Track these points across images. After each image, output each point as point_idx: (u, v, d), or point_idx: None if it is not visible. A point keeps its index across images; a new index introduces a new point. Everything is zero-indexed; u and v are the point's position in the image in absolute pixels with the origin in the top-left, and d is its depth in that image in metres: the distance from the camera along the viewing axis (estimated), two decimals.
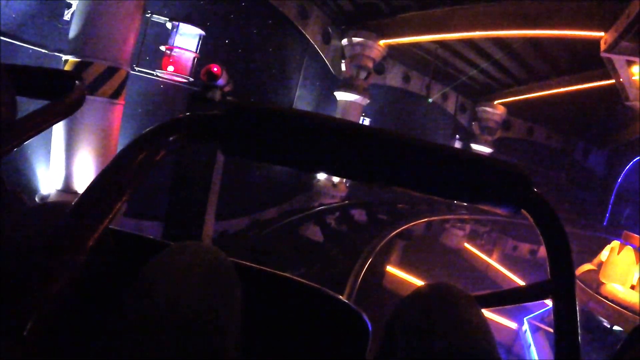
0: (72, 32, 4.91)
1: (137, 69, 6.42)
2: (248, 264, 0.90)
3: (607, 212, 18.30)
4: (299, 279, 0.92)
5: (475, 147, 15.10)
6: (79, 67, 4.77)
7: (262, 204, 9.07)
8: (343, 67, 10.93)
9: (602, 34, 7.41)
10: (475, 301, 0.69)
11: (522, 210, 0.61)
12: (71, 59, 4.80)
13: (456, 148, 0.60)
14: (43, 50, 5.71)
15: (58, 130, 5.01)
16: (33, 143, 5.62)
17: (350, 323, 0.89)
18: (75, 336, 0.64)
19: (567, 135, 17.80)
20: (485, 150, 15.02)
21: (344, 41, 10.80)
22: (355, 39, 10.52)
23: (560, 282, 0.64)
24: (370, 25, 10.52)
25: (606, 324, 6.66)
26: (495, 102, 14.89)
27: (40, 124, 0.68)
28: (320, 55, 10.72)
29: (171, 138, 0.54)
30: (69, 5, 5.50)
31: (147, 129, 0.53)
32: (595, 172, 18.40)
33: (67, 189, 5.01)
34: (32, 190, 5.61)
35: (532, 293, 0.73)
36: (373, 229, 8.30)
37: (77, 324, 0.67)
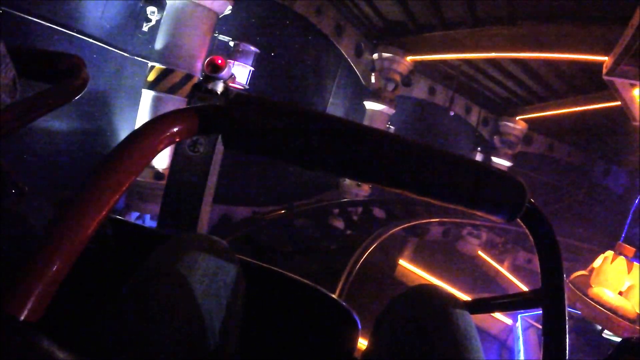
0: (158, 44, 5.95)
1: None
2: (246, 259, 0.90)
3: (624, 230, 18.39)
4: (293, 275, 0.93)
5: (495, 160, 15.43)
6: (164, 73, 5.82)
7: (294, 196, 10.17)
8: (372, 79, 11.53)
9: (605, 58, 7.58)
10: (464, 305, 0.69)
11: (518, 219, 0.60)
12: (157, 65, 5.84)
13: (455, 153, 0.58)
14: (125, 54, 6.73)
15: (144, 114, 5.96)
16: (121, 120, 6.62)
17: (340, 320, 0.90)
18: (75, 324, 0.64)
19: (588, 153, 17.96)
20: (505, 163, 15.32)
21: (374, 55, 11.42)
22: (384, 54, 11.15)
23: (550, 291, 0.64)
24: (399, 42, 11.08)
25: (596, 327, 6.77)
26: (517, 118, 15.17)
27: (40, 107, 0.63)
28: (352, 67, 11.43)
29: (173, 130, 0.52)
30: (149, 20, 6.55)
31: (147, 121, 0.52)
32: (614, 191, 18.51)
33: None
34: None
35: (522, 301, 0.71)
36: (388, 222, 9.27)
37: (78, 312, 0.68)
